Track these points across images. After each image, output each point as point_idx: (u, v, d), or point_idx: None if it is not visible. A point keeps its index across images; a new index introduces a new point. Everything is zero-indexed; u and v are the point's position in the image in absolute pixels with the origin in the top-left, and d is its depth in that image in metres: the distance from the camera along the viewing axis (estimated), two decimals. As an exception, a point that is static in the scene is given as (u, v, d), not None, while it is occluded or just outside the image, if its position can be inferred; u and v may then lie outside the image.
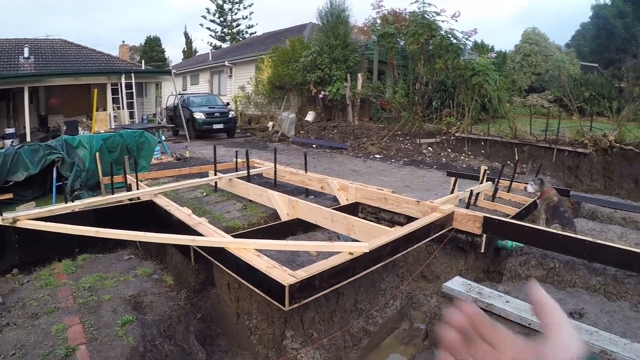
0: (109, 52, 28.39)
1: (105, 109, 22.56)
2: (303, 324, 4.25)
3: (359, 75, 21.68)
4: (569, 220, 6.46)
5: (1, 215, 4.96)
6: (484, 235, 5.73)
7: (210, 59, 37.22)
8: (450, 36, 18.46)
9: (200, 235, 4.85)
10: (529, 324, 3.74)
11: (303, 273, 3.75)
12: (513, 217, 6.60)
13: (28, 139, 19.44)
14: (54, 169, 9.02)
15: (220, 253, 4.47)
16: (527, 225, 5.67)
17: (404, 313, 5.56)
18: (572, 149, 13.55)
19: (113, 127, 19.64)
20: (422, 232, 5.23)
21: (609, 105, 18.66)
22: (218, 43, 60.51)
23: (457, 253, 6.29)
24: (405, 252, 5.00)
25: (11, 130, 21.30)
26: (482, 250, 5.82)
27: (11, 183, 8.75)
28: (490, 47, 25.01)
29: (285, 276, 3.67)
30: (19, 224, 4.99)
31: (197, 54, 58.20)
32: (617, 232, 6.77)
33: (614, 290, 4.92)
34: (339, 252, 4.23)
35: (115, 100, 22.75)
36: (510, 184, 8.81)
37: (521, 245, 5.90)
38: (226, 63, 31.86)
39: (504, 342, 0.71)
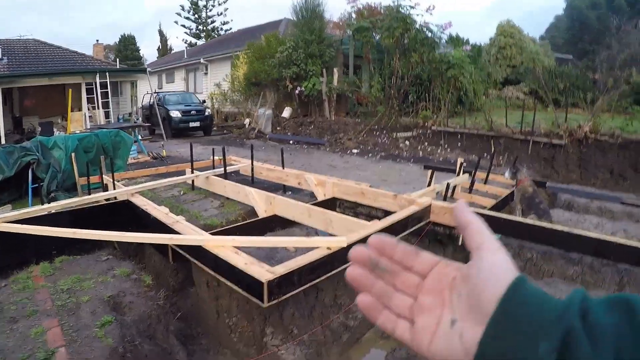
0: (83, 51, 28.04)
1: (80, 109, 22.30)
2: (283, 320, 4.26)
3: (335, 70, 21.66)
4: (545, 212, 6.54)
5: (-24, 219, 4.92)
6: (462, 228, 5.78)
7: (185, 56, 36.93)
8: (425, 30, 18.60)
9: (178, 233, 4.85)
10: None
11: (281, 269, 3.76)
12: (490, 209, 6.67)
13: (2, 141, 19.20)
14: (30, 171, 8.94)
15: (198, 251, 4.47)
16: (504, 216, 5.74)
17: (383, 307, 5.58)
18: (548, 140, 13.66)
19: (88, 127, 19.48)
20: (399, 226, 5.27)
21: (583, 96, 18.77)
22: (193, 40, 60.21)
23: (435, 246, 6.34)
24: (383, 246, 5.02)
25: (-15, 133, 21.06)
26: (460, 243, 5.87)
27: (-14, 186, 8.68)
28: (465, 40, 25.14)
29: (263, 272, 3.68)
30: (-5, 227, 4.95)
31: (173, 51, 57.80)
32: (594, 222, 6.89)
33: (591, 279, 5.01)
34: (317, 247, 4.25)
35: (90, 100, 22.50)
36: (487, 176, 8.88)
37: (498, 236, 5.95)
38: (202, 60, 31.66)
39: (426, 265, 0.70)
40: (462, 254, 6.37)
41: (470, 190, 8.29)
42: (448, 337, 0.62)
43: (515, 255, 5.56)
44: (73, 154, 8.70)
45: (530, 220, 5.70)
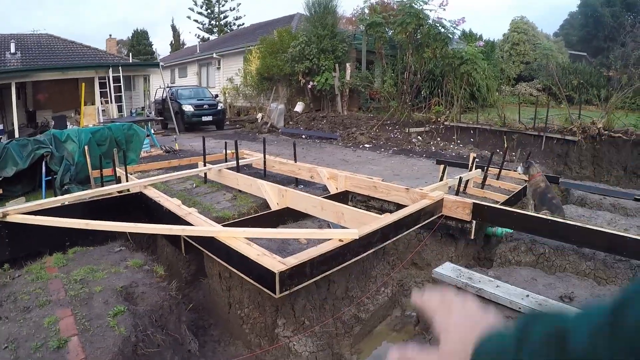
0: (96, 46, 28.14)
1: (93, 103, 22.39)
2: (294, 312, 4.26)
3: (348, 65, 21.70)
4: (557, 207, 6.50)
5: (-10, 210, 4.94)
6: (474, 222, 5.77)
7: (198, 51, 37.06)
8: (438, 25, 18.52)
9: (191, 225, 4.86)
10: (519, 308, 3.74)
11: (293, 260, 3.76)
12: (502, 204, 6.64)
13: (16, 135, 19.26)
14: (43, 164, 8.98)
15: (210, 242, 4.48)
16: (516, 211, 5.71)
17: (395, 300, 5.59)
18: (561, 136, 13.62)
19: (101, 120, 19.56)
20: (411, 219, 5.26)
21: (597, 93, 18.61)
22: (206, 35, 60.32)
23: (447, 240, 6.32)
24: (395, 238, 5.03)
25: (-1, 127, 21.20)
26: (472, 237, 5.85)
27: (0, 179, 8.71)
28: (478, 36, 25.06)
29: (275, 263, 3.69)
30: (9, 219, 4.97)
31: (185, 46, 57.98)
32: (607, 218, 6.82)
33: (604, 275, 4.97)
34: (328, 239, 4.25)
35: (103, 94, 22.64)
36: (500, 171, 8.86)
37: (510, 231, 5.94)
38: (214, 55, 31.74)
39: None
40: (473, 247, 6.37)
41: (483, 185, 8.27)
42: None
43: (527, 250, 5.53)
44: (86, 147, 8.73)
45: (543, 215, 5.67)
